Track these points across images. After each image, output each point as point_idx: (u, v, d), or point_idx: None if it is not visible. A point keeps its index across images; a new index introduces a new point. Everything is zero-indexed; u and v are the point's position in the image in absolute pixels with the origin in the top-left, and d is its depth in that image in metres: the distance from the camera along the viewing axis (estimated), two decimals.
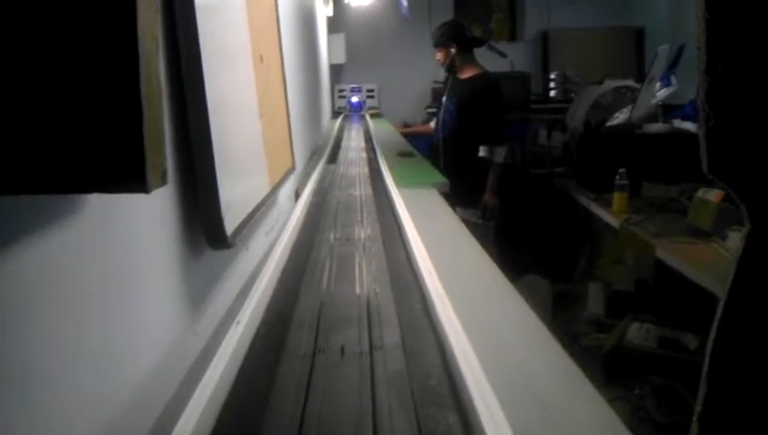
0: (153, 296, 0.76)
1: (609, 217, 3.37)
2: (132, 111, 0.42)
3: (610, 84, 4.40)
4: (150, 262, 0.76)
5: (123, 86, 0.42)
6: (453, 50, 3.76)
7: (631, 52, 6.31)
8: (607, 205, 3.45)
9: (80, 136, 0.41)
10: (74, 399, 0.55)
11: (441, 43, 3.79)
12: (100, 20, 0.41)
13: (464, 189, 3.29)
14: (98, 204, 0.60)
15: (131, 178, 0.43)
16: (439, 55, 3.83)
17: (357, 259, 1.25)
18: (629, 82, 4.43)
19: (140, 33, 0.42)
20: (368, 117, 5.47)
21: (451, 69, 3.83)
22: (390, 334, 0.86)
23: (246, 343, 0.80)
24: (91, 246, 0.60)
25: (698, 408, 0.56)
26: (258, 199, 1.19)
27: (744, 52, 0.45)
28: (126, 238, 0.69)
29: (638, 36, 6.36)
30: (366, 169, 2.51)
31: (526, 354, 0.84)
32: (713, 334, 0.53)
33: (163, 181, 0.46)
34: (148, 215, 0.76)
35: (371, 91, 6.55)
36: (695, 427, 0.55)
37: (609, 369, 2.77)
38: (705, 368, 0.54)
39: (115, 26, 0.41)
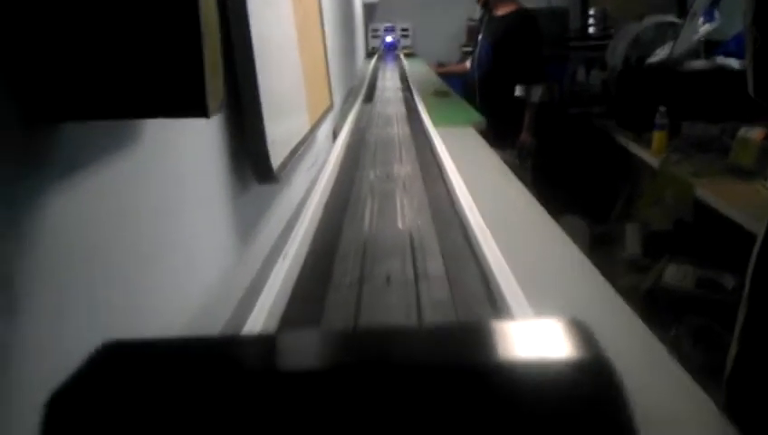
0: (205, 226, 0.79)
1: (648, 157, 3.31)
2: (193, 39, 0.43)
3: (651, 20, 4.26)
4: (202, 193, 0.79)
5: (185, 14, 0.43)
6: None
7: None
8: (646, 144, 3.39)
9: (145, 62, 0.43)
10: (132, 323, 0.58)
11: None
12: None
13: (500, 129, 3.25)
14: (155, 135, 0.62)
15: (193, 103, 0.44)
16: None
17: (398, 196, 1.26)
18: (671, 18, 4.29)
19: None
20: (402, 57, 5.40)
21: (486, 5, 3.74)
22: (434, 265, 0.88)
23: (295, 274, 0.83)
24: (148, 174, 0.63)
25: (737, 330, 0.57)
26: (300, 136, 1.21)
27: None
28: (179, 170, 0.71)
29: None
30: (402, 109, 2.50)
31: (569, 284, 0.86)
32: (753, 262, 0.54)
33: (220, 108, 0.48)
34: (199, 148, 0.78)
35: (405, 30, 6.45)
36: (734, 346, 0.56)
37: (647, 310, 2.77)
38: (746, 291, 0.55)
39: None
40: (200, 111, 0.44)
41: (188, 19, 0.43)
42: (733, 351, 0.60)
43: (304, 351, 0.18)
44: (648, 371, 0.66)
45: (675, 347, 2.56)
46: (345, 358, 0.18)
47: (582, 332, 0.18)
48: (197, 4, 0.43)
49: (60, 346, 0.46)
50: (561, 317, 0.19)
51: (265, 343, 0.20)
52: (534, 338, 0.18)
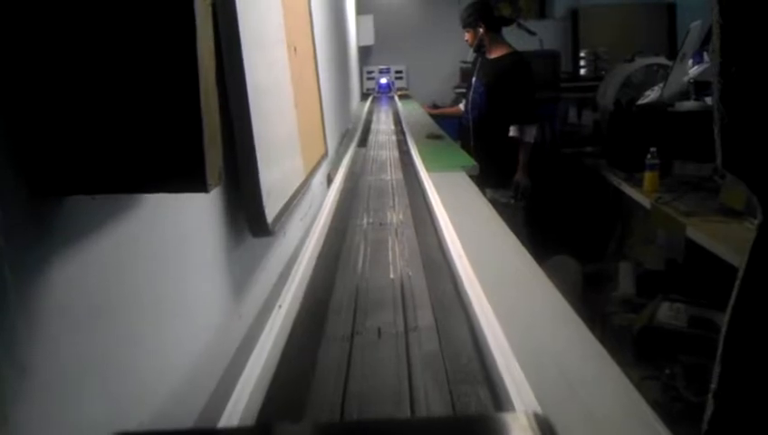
0: (201, 283, 0.82)
1: (640, 197, 3.36)
2: (193, 118, 0.47)
3: (641, 62, 4.35)
4: (198, 251, 0.81)
5: (185, 96, 0.46)
6: (481, 30, 3.76)
7: (663, 28, 6.20)
8: (638, 184, 3.44)
9: (147, 141, 0.46)
10: (128, 383, 0.61)
11: (469, 23, 3.79)
12: (163, 26, 0.46)
13: (494, 170, 3.31)
14: (153, 200, 0.65)
15: (192, 178, 0.48)
16: (468, 36, 3.83)
17: (390, 243, 1.29)
18: (661, 60, 4.38)
19: (199, 43, 0.47)
20: (396, 98, 5.48)
21: (480, 49, 3.83)
22: (424, 316, 0.91)
23: (288, 327, 0.85)
24: (148, 238, 0.66)
25: (713, 386, 0.59)
26: (295, 186, 1.24)
27: (756, 56, 0.48)
28: (176, 231, 0.74)
29: (670, 12, 6.24)
30: (396, 153, 2.54)
31: (553, 335, 0.89)
32: (726, 319, 0.57)
33: (219, 180, 0.51)
34: (197, 207, 0.81)
35: (400, 72, 6.56)
36: (710, 403, 0.58)
37: (640, 349, 2.78)
38: (720, 349, 0.57)
39: (176, 33, 0.46)
40: (200, 186, 0.48)
41: (188, 100, 0.46)
42: (708, 410, 0.62)
43: None
44: (628, 423, 0.69)
45: (669, 386, 2.57)
46: None
47: (544, 428, 0.20)
48: (198, 87, 0.47)
49: (66, 416, 0.48)
50: (527, 412, 0.21)
51: None
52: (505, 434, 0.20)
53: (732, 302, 0.61)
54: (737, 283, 0.60)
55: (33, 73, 0.45)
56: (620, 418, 0.69)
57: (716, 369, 0.61)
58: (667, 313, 2.88)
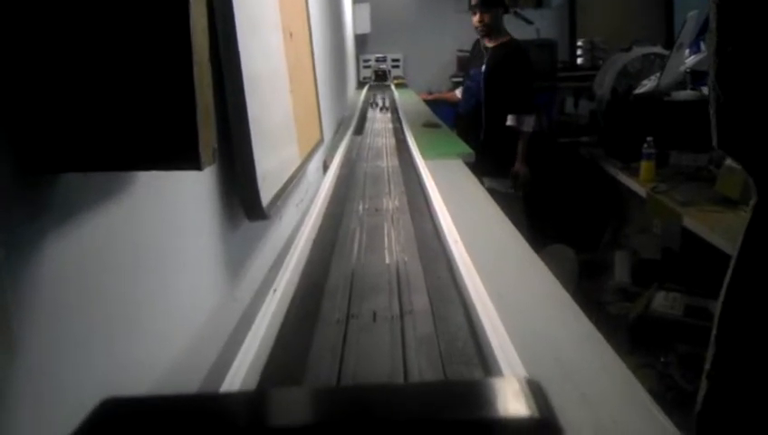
0: (197, 264, 0.82)
1: (636, 186, 3.36)
2: (186, 94, 0.46)
3: (638, 51, 4.34)
4: (194, 232, 0.81)
5: (178, 72, 0.46)
6: (500, 11, 3.71)
7: (660, 18, 6.19)
8: (634, 174, 3.44)
9: (141, 119, 0.46)
10: (124, 358, 0.61)
11: (492, 2, 3.69)
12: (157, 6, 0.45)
13: (491, 159, 3.30)
14: (148, 180, 0.65)
15: (186, 156, 0.47)
16: (482, 17, 3.70)
17: (386, 229, 1.29)
18: (658, 49, 4.37)
19: (192, 19, 0.46)
20: (393, 87, 5.47)
21: (490, 34, 3.73)
22: (419, 300, 0.91)
23: (283, 310, 0.85)
24: (141, 216, 0.65)
25: (707, 367, 0.59)
26: (290, 172, 1.24)
27: (751, 35, 0.47)
28: (172, 211, 0.74)
29: (667, 2, 6.23)
30: (392, 141, 2.54)
31: (548, 319, 0.89)
32: (721, 299, 0.57)
33: (213, 159, 0.51)
34: (192, 189, 0.81)
35: (396, 60, 6.54)
36: (704, 384, 0.59)
37: (636, 337, 2.79)
38: (714, 330, 0.57)
39: (169, 8, 0.46)
40: (193, 163, 0.47)
41: (181, 76, 0.46)
42: (702, 390, 0.62)
43: (290, 407, 0.21)
44: (623, 406, 0.69)
45: (664, 374, 2.58)
46: (328, 414, 0.20)
47: (535, 390, 0.20)
48: (191, 62, 0.46)
49: (58, 392, 0.48)
50: (518, 377, 0.21)
51: (253, 400, 0.22)
52: (496, 396, 0.20)
53: (726, 282, 0.61)
54: (732, 263, 0.60)
55: (25, 50, 0.45)
56: (617, 400, 0.69)
57: (710, 350, 0.61)
58: (663, 302, 2.89)
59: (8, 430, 0.43)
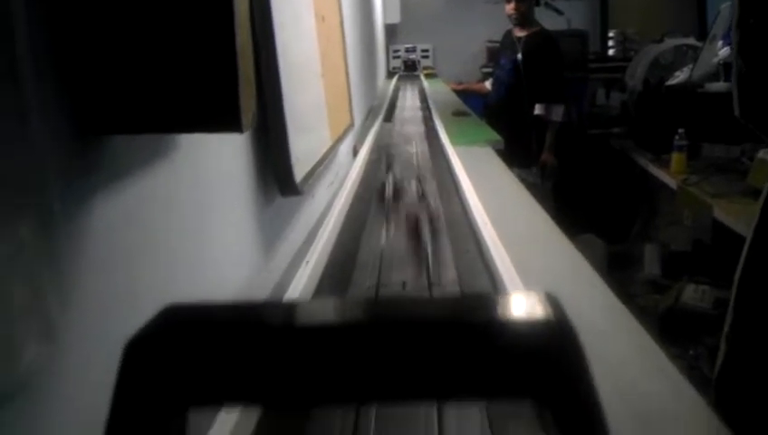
0: (232, 236, 0.84)
1: (667, 178, 3.33)
2: (229, 59, 0.49)
3: (671, 42, 4.29)
4: (230, 204, 0.84)
5: (222, 38, 0.49)
6: (533, 0, 3.70)
7: (692, 9, 6.09)
8: (665, 165, 3.41)
9: (185, 81, 0.49)
10: None
11: None
12: None
13: (520, 149, 3.30)
14: (189, 146, 0.67)
15: (228, 118, 0.50)
16: (517, 6, 3.70)
17: (415, 209, 1.31)
18: (691, 41, 4.32)
19: None
20: (422, 77, 5.46)
21: (523, 23, 3.73)
22: (447, 274, 0.93)
23: (316, 280, 0.88)
24: (182, 183, 0.68)
25: (726, 329, 0.60)
26: (322, 152, 1.26)
27: None
28: (209, 185, 0.77)
29: None
30: (422, 128, 2.55)
31: (575, 295, 0.90)
32: (740, 268, 0.57)
33: (253, 123, 0.53)
34: (228, 160, 0.84)
35: (426, 51, 6.52)
36: (723, 348, 0.60)
37: (665, 329, 2.77)
38: (732, 298, 0.58)
39: None
40: (235, 126, 0.50)
41: (225, 44, 0.49)
42: (721, 351, 0.63)
43: (327, 312, 0.23)
44: (644, 370, 0.70)
45: (693, 367, 2.56)
46: (362, 316, 0.23)
47: (553, 301, 0.22)
48: (233, 29, 0.49)
49: (102, 339, 0.51)
50: (537, 291, 0.23)
51: (295, 307, 0.24)
52: (517, 305, 0.22)
53: (745, 252, 0.62)
54: (749, 235, 0.61)
55: (81, 20, 0.48)
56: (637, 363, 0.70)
57: (729, 317, 0.62)
58: (693, 294, 2.86)
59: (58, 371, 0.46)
